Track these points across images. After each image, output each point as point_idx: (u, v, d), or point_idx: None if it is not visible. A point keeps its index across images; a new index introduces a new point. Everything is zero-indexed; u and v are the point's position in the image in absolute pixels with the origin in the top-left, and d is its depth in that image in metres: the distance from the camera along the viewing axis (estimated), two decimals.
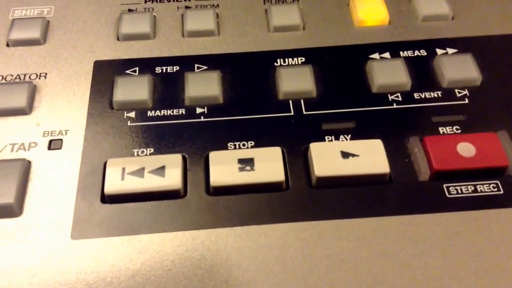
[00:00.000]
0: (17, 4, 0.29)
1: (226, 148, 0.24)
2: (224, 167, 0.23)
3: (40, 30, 0.28)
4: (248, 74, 0.27)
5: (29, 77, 0.26)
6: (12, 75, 0.26)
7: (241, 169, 0.23)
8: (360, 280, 0.21)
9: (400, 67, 0.27)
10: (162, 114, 0.25)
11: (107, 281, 0.21)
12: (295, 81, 0.27)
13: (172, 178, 0.23)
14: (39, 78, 0.26)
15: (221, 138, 0.25)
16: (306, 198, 0.23)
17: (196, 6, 0.30)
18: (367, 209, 0.23)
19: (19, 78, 0.26)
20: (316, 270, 0.21)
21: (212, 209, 0.23)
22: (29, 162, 0.24)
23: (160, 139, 0.25)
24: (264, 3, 0.30)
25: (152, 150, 0.24)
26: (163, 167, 0.23)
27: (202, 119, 0.25)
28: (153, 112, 0.26)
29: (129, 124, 0.25)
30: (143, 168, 0.23)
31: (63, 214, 0.22)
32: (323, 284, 0.21)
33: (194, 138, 0.25)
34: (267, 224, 0.22)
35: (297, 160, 0.24)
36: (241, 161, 0.23)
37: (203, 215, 0.23)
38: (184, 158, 0.24)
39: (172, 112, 0.26)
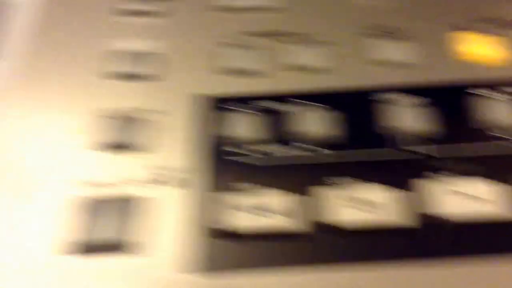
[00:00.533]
0: (126, 38, 0.30)
1: (340, 186, 0.24)
2: (339, 205, 0.23)
3: (149, 65, 0.28)
4: (359, 110, 0.27)
5: (139, 113, 0.27)
6: (122, 110, 0.27)
7: (357, 208, 0.23)
8: None
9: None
10: (270, 150, 0.25)
11: None
12: (410, 118, 0.26)
13: (285, 215, 0.23)
14: (149, 114, 0.27)
15: (333, 175, 0.24)
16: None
17: (301, 41, 0.30)
18: None
19: (131, 113, 0.26)
20: None
21: (328, 246, 0.22)
22: (143, 198, 0.24)
23: (271, 175, 0.24)
24: (371, 37, 0.30)
25: (263, 186, 0.24)
26: (275, 204, 0.23)
27: (312, 155, 0.25)
28: (262, 148, 0.25)
29: (239, 160, 0.25)
30: (256, 205, 0.23)
31: (177, 249, 0.22)
32: None
33: (305, 175, 0.24)
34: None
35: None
36: (356, 199, 0.23)
37: (319, 252, 0.22)
38: (295, 195, 0.24)
39: (281, 148, 0.25)
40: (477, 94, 0.27)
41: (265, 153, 0.25)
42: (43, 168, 0.25)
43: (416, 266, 0.22)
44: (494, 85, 0.27)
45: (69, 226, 0.23)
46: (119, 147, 0.26)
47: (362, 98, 0.27)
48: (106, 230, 0.23)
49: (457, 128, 0.26)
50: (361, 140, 0.26)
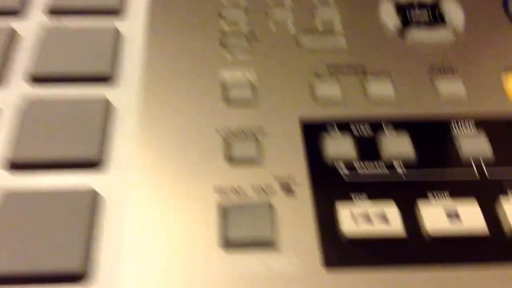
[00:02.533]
0: (224, 67, 0.34)
1: (429, 200, 0.28)
2: (435, 217, 0.27)
3: (250, 91, 0.32)
4: (429, 136, 0.31)
5: (252, 132, 0.31)
6: (233, 129, 0.31)
7: (450, 219, 0.27)
8: None
9: None
10: (368, 168, 0.29)
11: None
12: (474, 145, 0.31)
13: (396, 224, 0.27)
14: (259, 132, 0.31)
15: (421, 191, 0.29)
16: None
17: (371, 74, 0.34)
18: None
19: (242, 131, 0.31)
20: None
21: (433, 253, 0.26)
22: (271, 204, 0.28)
23: (370, 189, 0.28)
24: (429, 74, 0.34)
25: (366, 197, 0.28)
26: (384, 214, 0.27)
27: (402, 174, 0.29)
28: (358, 166, 0.29)
29: (342, 175, 0.29)
30: (368, 214, 0.27)
31: (310, 247, 0.26)
32: None
33: (398, 190, 0.29)
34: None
35: (493, 214, 0.28)
36: (448, 211, 0.27)
37: (426, 258, 0.26)
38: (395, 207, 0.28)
39: (375, 167, 0.30)
40: None
41: (363, 170, 0.29)
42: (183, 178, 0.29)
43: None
44: None
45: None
46: (236, 160, 0.30)
47: (434, 126, 0.32)
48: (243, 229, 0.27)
49: None
50: (442, 163, 0.30)
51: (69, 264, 0.25)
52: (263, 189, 0.28)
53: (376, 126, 0.31)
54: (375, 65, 0.35)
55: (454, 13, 0.38)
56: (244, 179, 0.29)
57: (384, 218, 0.27)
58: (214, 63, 0.34)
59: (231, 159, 0.29)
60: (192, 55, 0.35)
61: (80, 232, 0.26)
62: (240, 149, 0.30)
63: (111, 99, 0.32)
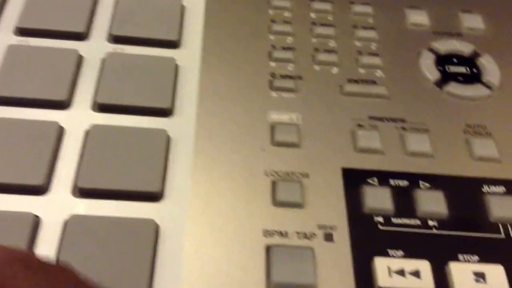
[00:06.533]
0: (272, 109, 0.36)
1: (458, 259, 0.30)
2: (463, 278, 0.29)
3: (296, 135, 0.34)
4: (461, 195, 0.33)
5: (296, 176, 0.33)
6: (279, 171, 0.33)
7: (476, 281, 0.29)
8: None
9: None
10: (403, 222, 0.31)
11: None
12: (504, 208, 0.32)
13: (427, 282, 0.29)
14: (303, 177, 0.32)
15: (452, 250, 0.30)
16: None
17: (410, 128, 0.36)
18: None
19: (288, 175, 0.33)
20: None
21: None
22: (313, 249, 0.30)
23: (406, 244, 0.30)
24: (465, 133, 0.36)
25: (402, 253, 0.30)
26: (418, 271, 0.29)
27: (434, 231, 0.31)
28: (395, 219, 0.31)
29: (379, 227, 0.31)
30: (403, 269, 0.29)
31: None
32: None
33: (431, 247, 0.30)
34: None
35: None
36: (475, 273, 0.29)
37: None
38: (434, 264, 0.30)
39: (410, 221, 0.31)
40: None
41: (398, 224, 0.31)
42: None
43: None
44: None
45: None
46: (282, 204, 0.31)
47: (467, 185, 0.33)
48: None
49: None
50: (470, 222, 0.32)
51: None
52: (305, 235, 0.30)
53: (413, 180, 0.33)
54: (414, 118, 0.37)
55: (490, 68, 0.40)
56: (289, 223, 0.31)
57: (417, 275, 0.29)
58: (262, 102, 0.37)
59: (277, 203, 0.31)
60: (241, 94, 0.37)
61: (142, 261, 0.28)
62: (286, 193, 0.32)
63: (168, 129, 0.34)
